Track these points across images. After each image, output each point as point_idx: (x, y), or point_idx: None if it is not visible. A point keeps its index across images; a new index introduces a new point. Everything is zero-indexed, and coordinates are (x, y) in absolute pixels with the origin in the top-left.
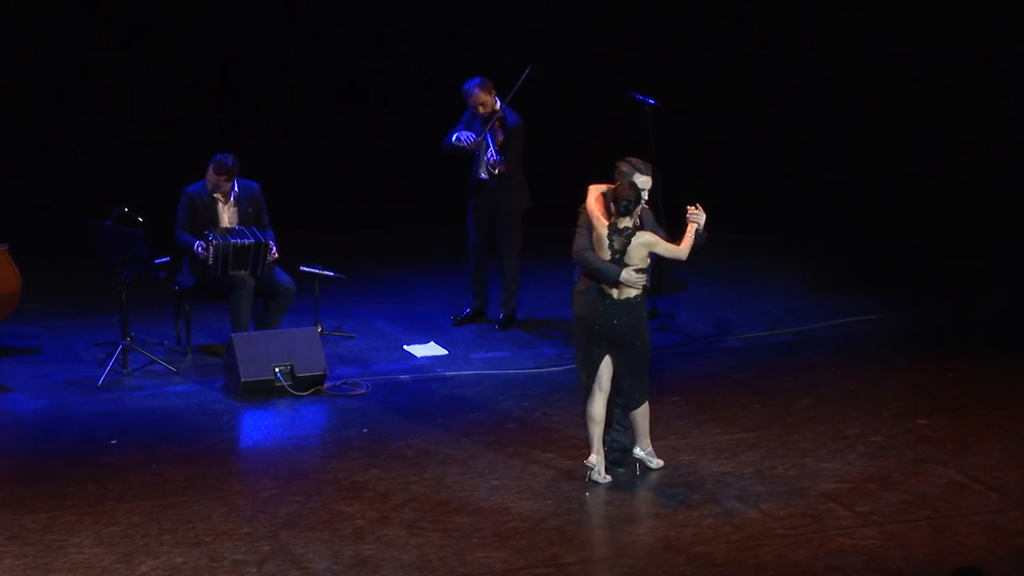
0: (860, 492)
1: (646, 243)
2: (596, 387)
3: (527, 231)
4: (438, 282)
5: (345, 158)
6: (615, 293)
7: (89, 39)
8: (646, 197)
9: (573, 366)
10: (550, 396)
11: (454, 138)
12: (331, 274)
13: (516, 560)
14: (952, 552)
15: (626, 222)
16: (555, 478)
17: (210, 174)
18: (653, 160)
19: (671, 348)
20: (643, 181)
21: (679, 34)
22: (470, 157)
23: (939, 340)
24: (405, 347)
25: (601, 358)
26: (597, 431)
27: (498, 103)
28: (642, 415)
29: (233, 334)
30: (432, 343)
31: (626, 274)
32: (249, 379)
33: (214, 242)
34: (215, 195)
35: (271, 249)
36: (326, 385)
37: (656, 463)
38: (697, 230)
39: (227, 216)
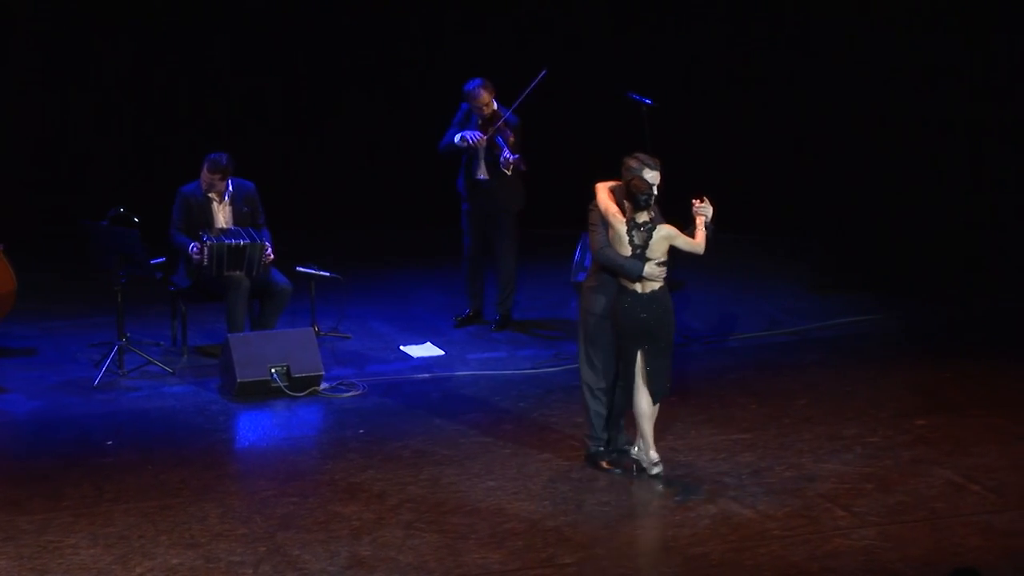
0: (857, 493)
1: (667, 236)
2: (639, 383)
3: (521, 231)
4: (434, 283)
5: (341, 158)
6: (638, 288)
7: (86, 38)
8: (655, 193)
9: (572, 366)
10: (547, 397)
11: (457, 138)
12: (327, 274)
13: (513, 561)
14: (949, 553)
15: (644, 217)
16: (552, 479)
17: (204, 173)
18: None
19: None
20: (653, 176)
21: (676, 33)
22: (466, 159)
23: (936, 340)
24: (401, 348)
25: (635, 354)
26: (648, 426)
27: (495, 104)
28: (649, 416)
29: (229, 335)
30: (428, 344)
31: (649, 268)
32: (245, 380)
33: (208, 243)
34: (210, 195)
35: (266, 250)
36: (322, 386)
37: (655, 468)
38: (706, 223)
39: (222, 216)
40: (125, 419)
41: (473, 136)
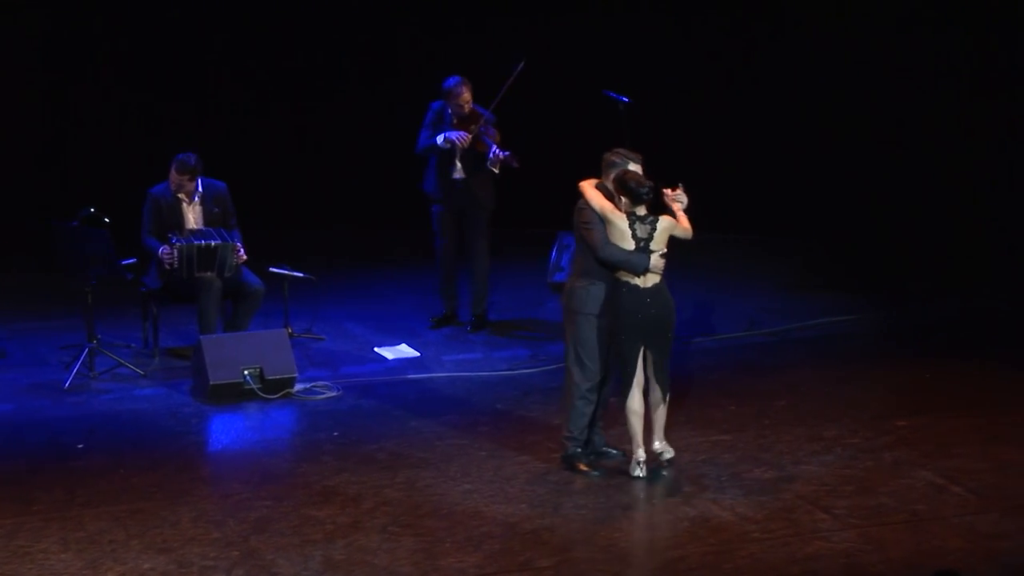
0: (837, 495)
1: (669, 227)
2: (635, 381)
3: (493, 231)
4: (409, 283)
5: (314, 157)
6: (640, 282)
7: (56, 37)
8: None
9: (549, 367)
10: (524, 398)
11: (441, 139)
12: (300, 275)
13: (490, 565)
14: (930, 555)
15: (642, 210)
16: (529, 481)
17: (172, 174)
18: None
19: None
20: (636, 170)
21: (654, 30)
22: (437, 160)
23: (918, 341)
24: (376, 349)
25: (638, 350)
26: (639, 425)
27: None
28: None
29: (201, 336)
30: (403, 345)
31: (654, 260)
32: (218, 382)
33: (177, 244)
34: (179, 195)
35: (238, 250)
36: (296, 388)
37: (670, 453)
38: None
39: (192, 216)
40: (96, 422)
41: (460, 136)
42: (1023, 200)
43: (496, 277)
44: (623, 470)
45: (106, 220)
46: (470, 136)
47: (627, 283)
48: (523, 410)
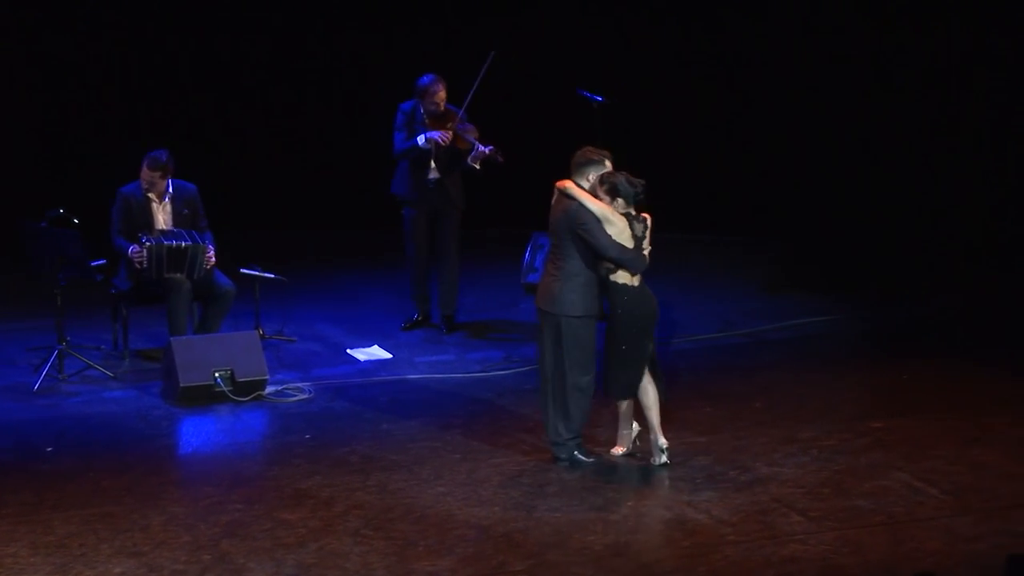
0: (813, 497)
1: (649, 224)
2: (647, 377)
3: (464, 231)
4: (382, 284)
5: (284, 157)
6: (634, 281)
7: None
8: None
9: (522, 369)
10: (497, 400)
11: (422, 140)
12: (272, 276)
13: (463, 569)
14: (907, 558)
15: (632, 209)
16: (502, 484)
17: (144, 171)
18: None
19: None
20: (609, 167)
21: (628, 28)
22: (409, 163)
23: (893, 342)
24: (348, 351)
25: (646, 348)
26: (657, 417)
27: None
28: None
29: (171, 338)
30: (376, 347)
31: (647, 257)
32: (188, 384)
33: (148, 244)
34: (149, 195)
35: (208, 251)
36: (267, 390)
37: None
38: None
39: (162, 217)
40: (65, 425)
41: (442, 136)
42: (997, 201)
43: (468, 278)
44: (597, 472)
45: (75, 221)
46: (451, 134)
47: (624, 284)
48: (496, 412)
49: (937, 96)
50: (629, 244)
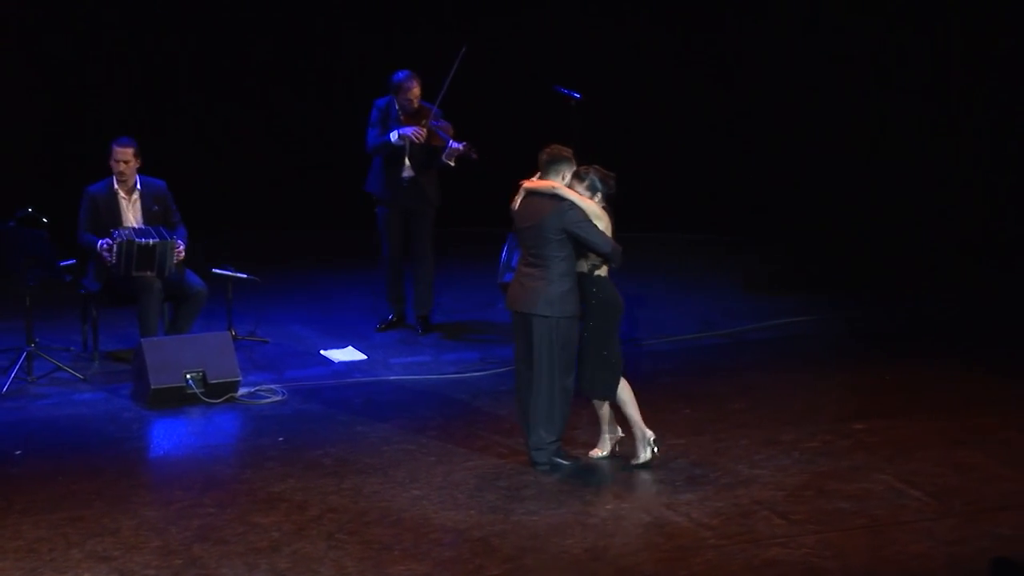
0: (795, 499)
1: None
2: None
3: (441, 230)
4: (356, 284)
5: (258, 156)
6: (604, 273)
7: None
8: None
9: (498, 370)
10: (473, 402)
11: (395, 136)
12: (244, 276)
13: (439, 573)
14: (890, 561)
15: (603, 203)
16: (479, 487)
17: (115, 152)
18: (579, 157)
19: None
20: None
21: (606, 24)
22: (383, 159)
23: (876, 342)
24: (322, 352)
25: (619, 343)
26: (636, 409)
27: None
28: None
29: (142, 339)
30: (350, 348)
31: None
32: (159, 386)
33: (118, 239)
34: (119, 192)
35: (177, 246)
36: (240, 392)
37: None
38: None
39: (132, 214)
40: (34, 427)
41: (415, 132)
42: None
43: (444, 278)
44: (575, 475)
45: (44, 220)
46: (425, 131)
47: (605, 279)
48: (472, 414)
49: (927, 95)
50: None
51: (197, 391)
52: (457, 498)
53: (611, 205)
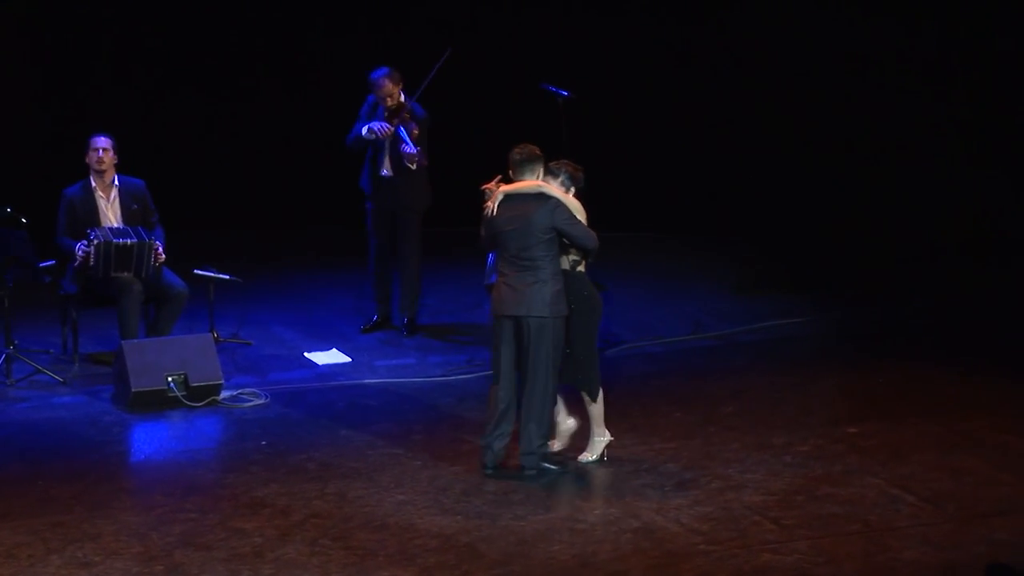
0: (787, 504)
1: None
2: None
3: (428, 231)
4: (340, 285)
5: (240, 154)
6: (583, 268)
7: None
8: None
9: (485, 373)
10: (459, 405)
11: (365, 130)
12: (227, 277)
13: None
14: (884, 567)
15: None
16: (465, 492)
17: (91, 147)
18: (568, 155)
19: None
20: None
21: (596, 22)
22: (371, 154)
23: (869, 344)
24: (306, 354)
25: None
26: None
27: (403, 95)
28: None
29: (123, 341)
30: (334, 350)
31: None
32: (140, 389)
33: (95, 241)
34: (97, 192)
35: (157, 249)
36: (222, 395)
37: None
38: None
39: (111, 214)
40: (13, 431)
41: (381, 127)
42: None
43: (430, 279)
44: (563, 480)
45: (23, 220)
46: (390, 129)
47: (584, 274)
48: (458, 417)
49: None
50: None
51: (179, 394)
52: (443, 503)
53: (584, 200)
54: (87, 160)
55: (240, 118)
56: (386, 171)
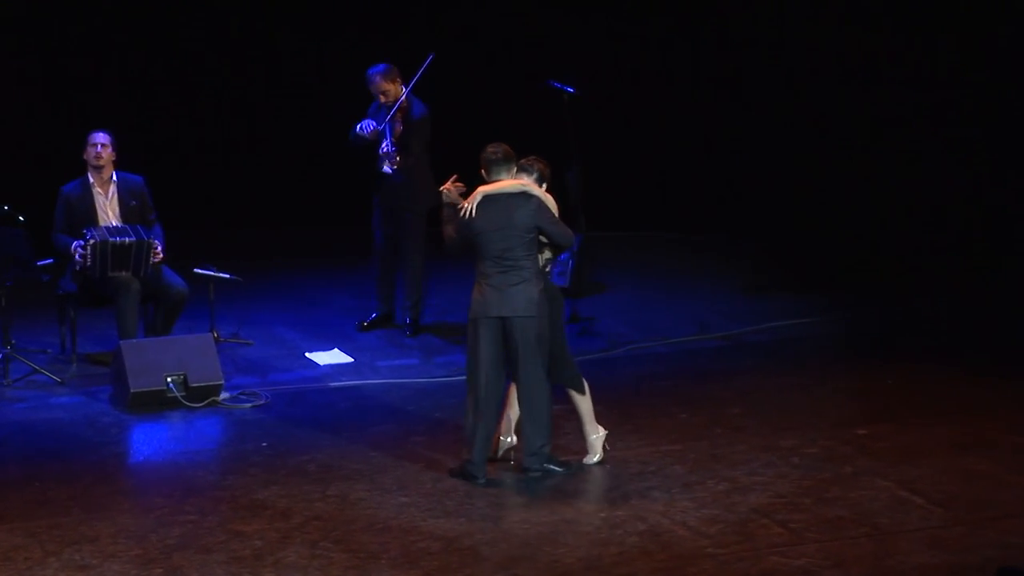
0: (795, 507)
1: None
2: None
3: (434, 230)
4: (342, 284)
5: (240, 152)
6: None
7: None
8: None
9: None
10: (462, 406)
11: (358, 128)
12: (227, 276)
13: None
14: (893, 571)
15: None
16: (468, 494)
17: (89, 142)
18: (573, 152)
19: (592, 354)
20: None
21: (601, 19)
22: (374, 151)
23: (877, 345)
24: (307, 354)
25: None
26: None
27: (404, 92)
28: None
29: (121, 341)
30: (336, 350)
31: None
32: (139, 390)
33: (91, 240)
34: (94, 184)
35: (156, 247)
36: (222, 396)
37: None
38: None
39: (110, 211)
40: (10, 431)
41: (368, 126)
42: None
43: (436, 278)
44: (568, 482)
45: (21, 219)
46: (376, 129)
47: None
48: (461, 419)
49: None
50: None
51: (178, 395)
52: (446, 505)
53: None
54: (85, 156)
55: (240, 117)
56: (386, 168)
